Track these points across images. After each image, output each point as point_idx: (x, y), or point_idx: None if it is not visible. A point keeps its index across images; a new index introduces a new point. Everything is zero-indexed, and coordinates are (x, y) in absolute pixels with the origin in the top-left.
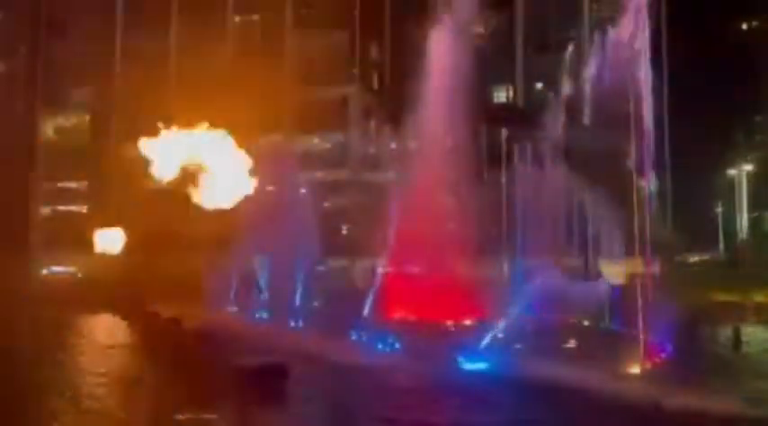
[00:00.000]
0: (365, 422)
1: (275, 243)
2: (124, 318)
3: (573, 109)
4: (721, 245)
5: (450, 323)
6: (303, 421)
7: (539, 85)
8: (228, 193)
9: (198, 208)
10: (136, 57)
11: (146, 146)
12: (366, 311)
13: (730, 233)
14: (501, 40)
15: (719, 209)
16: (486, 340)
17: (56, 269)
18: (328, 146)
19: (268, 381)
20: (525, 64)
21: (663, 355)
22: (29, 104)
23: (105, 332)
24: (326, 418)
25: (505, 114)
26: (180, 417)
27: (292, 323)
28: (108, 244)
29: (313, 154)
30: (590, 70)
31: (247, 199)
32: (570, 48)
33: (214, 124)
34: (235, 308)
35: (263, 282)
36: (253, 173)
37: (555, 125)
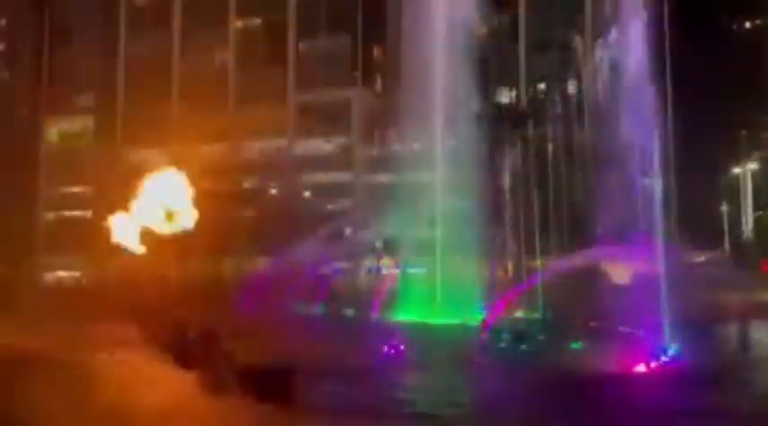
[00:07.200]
0: None
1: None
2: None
3: (576, 108)
4: (727, 244)
5: None
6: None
7: (541, 86)
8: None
9: None
10: (139, 62)
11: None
12: None
13: (735, 231)
14: (503, 40)
15: (724, 208)
16: None
17: (61, 274)
18: (331, 148)
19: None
20: (528, 64)
21: (670, 354)
22: (33, 109)
23: None
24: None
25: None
26: None
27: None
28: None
29: (316, 157)
30: (592, 70)
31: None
32: (573, 48)
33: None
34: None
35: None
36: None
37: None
